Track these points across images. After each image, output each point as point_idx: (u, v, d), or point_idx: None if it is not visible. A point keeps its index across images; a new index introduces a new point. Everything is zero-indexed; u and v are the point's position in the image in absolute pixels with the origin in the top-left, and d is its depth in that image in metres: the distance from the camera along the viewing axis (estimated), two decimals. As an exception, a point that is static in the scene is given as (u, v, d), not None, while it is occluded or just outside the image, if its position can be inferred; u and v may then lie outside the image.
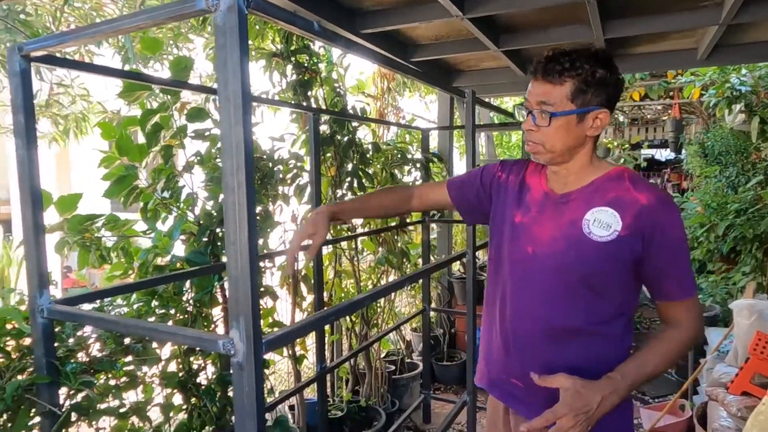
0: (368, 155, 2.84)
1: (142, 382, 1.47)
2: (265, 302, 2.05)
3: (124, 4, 3.72)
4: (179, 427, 1.58)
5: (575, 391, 1.00)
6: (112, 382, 1.38)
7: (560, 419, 0.98)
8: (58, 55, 1.84)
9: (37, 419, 1.14)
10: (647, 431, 2.71)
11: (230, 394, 1.73)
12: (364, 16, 2.57)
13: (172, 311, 1.65)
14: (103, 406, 1.31)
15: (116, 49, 3.52)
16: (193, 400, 1.63)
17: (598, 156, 1.19)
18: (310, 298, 2.47)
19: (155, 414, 1.49)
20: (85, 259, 1.58)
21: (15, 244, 5.35)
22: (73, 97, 3.84)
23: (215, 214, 1.82)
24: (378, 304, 3.19)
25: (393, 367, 3.33)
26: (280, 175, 2.22)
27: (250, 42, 1.79)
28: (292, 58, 2.47)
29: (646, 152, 10.17)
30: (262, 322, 1.17)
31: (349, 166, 2.67)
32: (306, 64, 2.52)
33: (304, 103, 2.49)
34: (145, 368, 1.48)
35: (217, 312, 1.83)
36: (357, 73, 4.18)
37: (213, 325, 1.81)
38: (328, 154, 2.58)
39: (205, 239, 1.77)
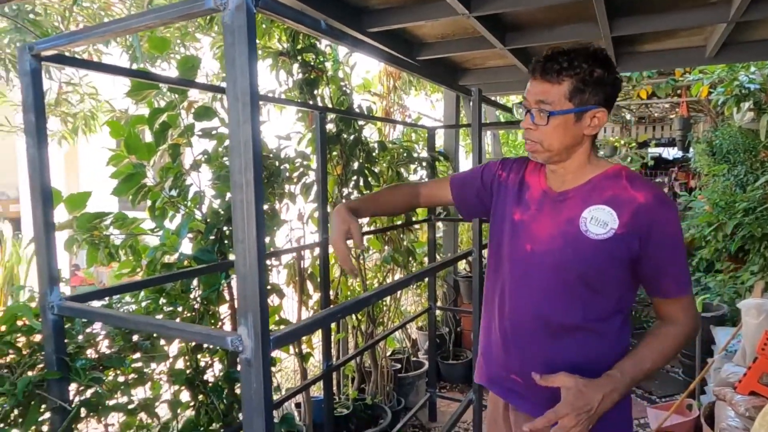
0: (374, 154, 2.84)
1: (150, 379, 1.48)
2: (272, 300, 2.06)
3: (132, 4, 3.73)
4: (187, 424, 1.59)
5: (577, 390, 1.01)
6: (121, 379, 1.39)
7: (562, 419, 1.00)
8: (67, 54, 1.86)
9: (48, 415, 1.16)
10: (654, 431, 2.70)
11: (237, 391, 1.74)
12: (370, 14, 2.57)
13: (180, 309, 1.67)
14: (111, 402, 1.32)
15: (124, 48, 3.54)
16: (200, 397, 1.64)
17: (597, 154, 1.20)
18: (316, 296, 2.48)
19: (163, 411, 1.51)
20: (94, 257, 1.59)
21: (24, 242, 5.39)
22: (82, 95, 3.87)
23: (222, 212, 1.83)
24: (384, 303, 3.20)
25: (399, 366, 3.33)
26: (287, 174, 2.22)
27: (257, 41, 1.80)
28: (299, 57, 2.48)
29: (653, 151, 10.09)
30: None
31: (356, 165, 2.68)
32: (312, 63, 2.52)
33: (311, 102, 2.49)
34: (153, 365, 1.49)
35: (224, 310, 1.84)
36: (363, 72, 4.19)
37: (220, 323, 1.82)
38: (335, 153, 2.58)
39: (212, 237, 1.79)
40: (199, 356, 1.67)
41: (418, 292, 3.99)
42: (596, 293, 1.11)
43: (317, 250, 2.29)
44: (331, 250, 2.66)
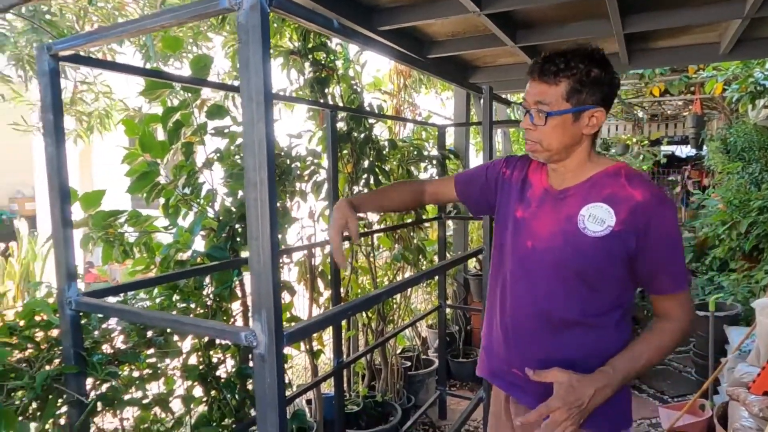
0: (385, 152, 2.85)
1: (164, 374, 1.50)
2: (283, 297, 2.08)
3: (146, 4, 3.77)
4: (199, 419, 1.61)
5: (569, 385, 1.04)
6: (136, 374, 1.41)
7: (554, 412, 1.03)
8: (83, 54, 1.89)
9: (65, 408, 1.18)
10: (666, 430, 2.69)
11: (249, 387, 1.76)
12: (381, 13, 2.57)
13: (193, 305, 1.69)
14: (127, 396, 1.34)
15: (137, 47, 3.58)
16: (213, 392, 1.66)
17: (598, 153, 1.21)
18: (326, 293, 2.49)
19: (176, 406, 1.53)
20: (109, 255, 1.62)
21: (40, 239, 5.47)
22: (96, 94, 3.91)
23: (234, 210, 1.84)
24: (394, 301, 3.20)
25: (409, 363, 3.34)
26: (298, 172, 2.24)
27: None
28: (310, 56, 2.49)
29: (665, 148, 10.00)
30: (281, 316, 1.19)
31: (366, 163, 2.68)
32: (323, 62, 2.53)
33: (321, 100, 2.50)
34: (167, 361, 1.51)
35: (236, 306, 1.86)
36: (374, 70, 4.18)
37: (232, 319, 1.84)
38: (345, 151, 2.59)
39: (224, 235, 1.80)
40: (211, 352, 1.69)
41: (428, 290, 3.99)
42: (595, 291, 1.13)
43: (328, 248, 2.30)
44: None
